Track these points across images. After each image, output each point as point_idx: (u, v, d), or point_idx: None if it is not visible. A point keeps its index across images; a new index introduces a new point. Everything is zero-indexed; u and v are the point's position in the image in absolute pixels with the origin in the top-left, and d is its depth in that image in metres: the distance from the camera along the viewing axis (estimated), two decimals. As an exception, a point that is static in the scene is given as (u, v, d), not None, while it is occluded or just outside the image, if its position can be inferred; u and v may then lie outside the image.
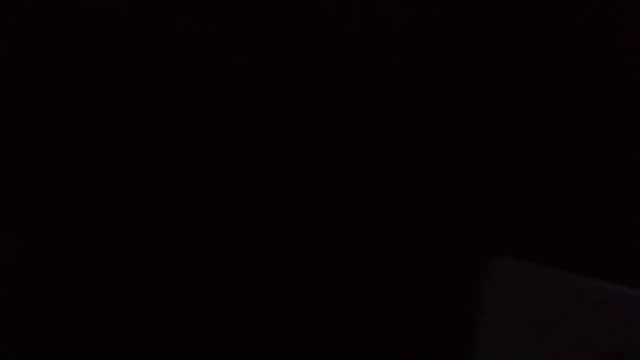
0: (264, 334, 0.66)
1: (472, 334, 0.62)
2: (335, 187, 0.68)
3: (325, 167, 0.68)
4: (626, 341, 0.50)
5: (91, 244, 0.65)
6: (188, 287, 0.64)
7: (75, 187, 0.67)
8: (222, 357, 0.64)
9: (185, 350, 0.63)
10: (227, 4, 0.71)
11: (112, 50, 0.70)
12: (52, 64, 0.69)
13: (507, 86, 0.68)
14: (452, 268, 0.66)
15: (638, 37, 0.69)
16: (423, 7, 0.71)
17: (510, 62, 0.69)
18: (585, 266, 0.64)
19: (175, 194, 0.66)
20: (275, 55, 0.69)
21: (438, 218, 0.66)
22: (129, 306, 0.64)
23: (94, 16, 0.71)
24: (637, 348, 0.50)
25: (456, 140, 0.68)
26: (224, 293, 0.66)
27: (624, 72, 0.68)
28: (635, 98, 0.67)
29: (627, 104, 0.67)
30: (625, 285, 0.57)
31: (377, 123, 0.68)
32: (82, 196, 0.66)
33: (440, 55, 0.69)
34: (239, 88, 0.68)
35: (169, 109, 0.68)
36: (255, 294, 0.67)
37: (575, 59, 0.68)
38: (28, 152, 0.67)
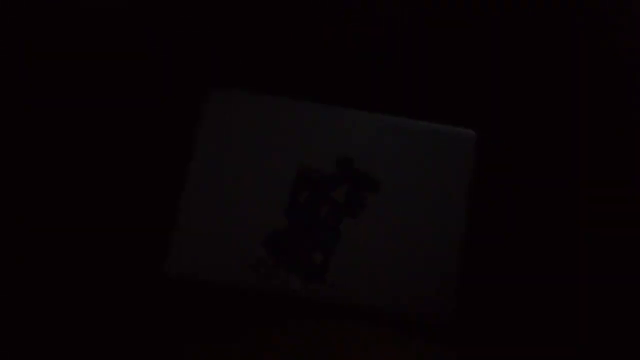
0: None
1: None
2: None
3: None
4: (355, 149, 0.63)
5: (91, 244, 0.65)
6: (188, 287, 0.64)
7: (75, 187, 0.67)
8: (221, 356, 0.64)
9: (185, 350, 0.63)
10: (227, 3, 0.71)
11: (112, 50, 0.70)
12: (52, 64, 0.69)
13: (507, 86, 0.68)
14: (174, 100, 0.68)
15: (638, 37, 0.69)
16: (423, 7, 0.71)
17: (510, 63, 0.69)
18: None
19: (175, 193, 0.66)
20: (275, 55, 0.69)
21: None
22: (130, 306, 0.64)
23: (94, 16, 0.71)
24: (364, 154, 0.63)
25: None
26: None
27: (624, 72, 0.68)
28: (635, 98, 0.67)
29: (627, 104, 0.67)
30: None
31: None
32: (82, 196, 0.67)
33: (440, 56, 0.69)
34: (238, 88, 0.68)
35: (169, 109, 0.68)
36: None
37: (575, 59, 0.69)
38: (28, 152, 0.67)
